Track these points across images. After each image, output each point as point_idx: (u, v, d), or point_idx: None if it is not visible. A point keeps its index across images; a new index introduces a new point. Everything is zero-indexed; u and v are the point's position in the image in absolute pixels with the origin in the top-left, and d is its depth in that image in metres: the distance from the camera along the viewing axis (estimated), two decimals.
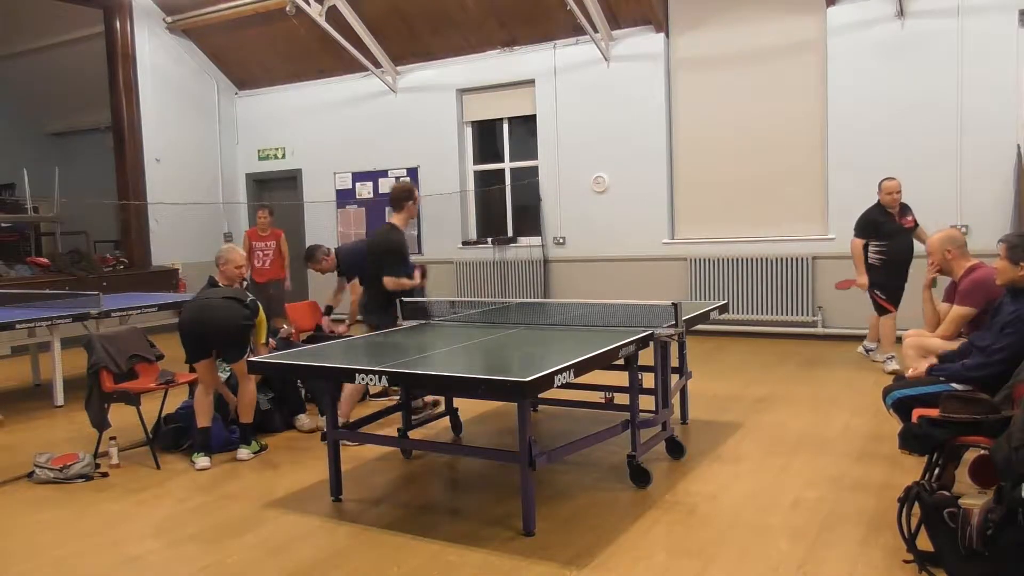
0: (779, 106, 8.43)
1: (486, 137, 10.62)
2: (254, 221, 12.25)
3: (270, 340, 5.77)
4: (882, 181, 6.54)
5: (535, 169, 9.90)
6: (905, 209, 6.55)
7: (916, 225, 6.55)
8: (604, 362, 3.74)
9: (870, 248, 6.55)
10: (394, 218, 5.18)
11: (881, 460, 4.28)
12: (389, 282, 4.97)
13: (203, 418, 4.78)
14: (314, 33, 10.36)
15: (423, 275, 5.29)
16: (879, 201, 6.54)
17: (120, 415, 5.02)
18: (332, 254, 6.39)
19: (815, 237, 8.32)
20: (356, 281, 6.21)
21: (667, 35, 8.94)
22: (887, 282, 6.53)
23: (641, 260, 9.13)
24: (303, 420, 5.47)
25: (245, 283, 5.34)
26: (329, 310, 6.67)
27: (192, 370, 4.95)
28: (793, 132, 8.41)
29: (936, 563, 2.89)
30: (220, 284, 4.93)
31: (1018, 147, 7.29)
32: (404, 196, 5.14)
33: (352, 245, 6.92)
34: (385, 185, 10.98)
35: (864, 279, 6.57)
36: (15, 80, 13.50)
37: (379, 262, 5.06)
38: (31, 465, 4.58)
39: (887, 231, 6.48)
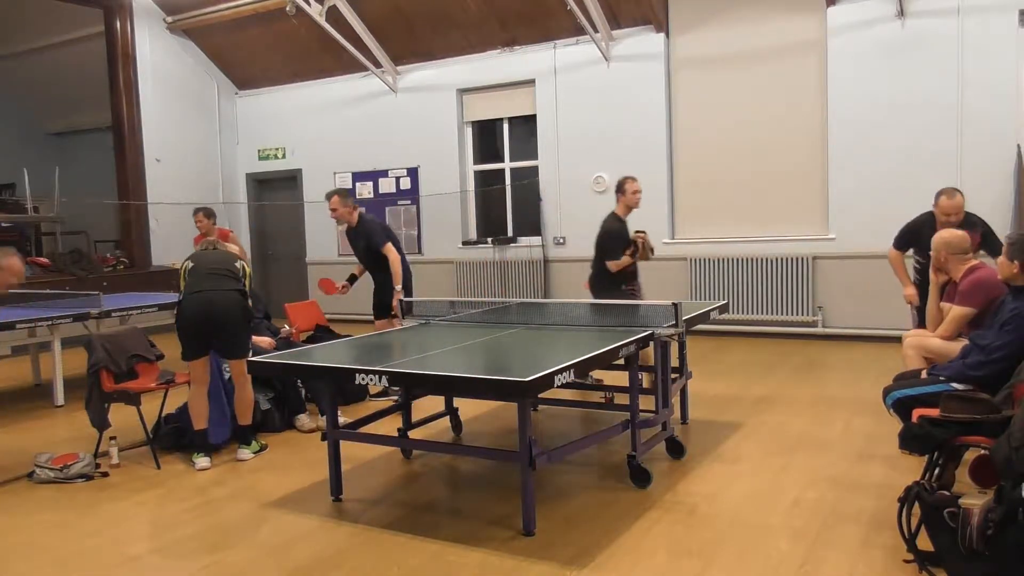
0: (779, 106, 8.43)
1: (486, 137, 10.61)
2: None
3: (270, 339, 5.77)
4: (939, 195, 5.18)
5: (535, 169, 9.90)
6: (966, 226, 5.00)
7: (979, 247, 4.93)
8: (604, 362, 3.74)
9: (912, 263, 5.60)
10: (617, 207, 5.91)
11: (881, 460, 4.27)
12: (612, 265, 5.74)
13: (199, 420, 4.77)
14: (314, 33, 10.36)
15: (635, 251, 5.82)
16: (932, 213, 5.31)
17: (120, 415, 5.02)
18: (357, 212, 6.14)
19: (815, 237, 8.32)
20: (390, 246, 6.01)
21: (667, 35, 8.94)
22: (923, 305, 5.16)
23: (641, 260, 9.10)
24: (303, 420, 5.47)
25: None
26: (353, 279, 6.51)
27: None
28: (793, 132, 8.41)
29: (936, 563, 2.89)
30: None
31: (1018, 147, 7.29)
32: (616, 187, 5.91)
33: (371, 221, 6.32)
34: (385, 185, 11.00)
35: (911, 290, 5.52)
36: (15, 80, 13.49)
37: (599, 249, 5.84)
38: (31, 465, 4.58)
39: (926, 246, 5.01)
